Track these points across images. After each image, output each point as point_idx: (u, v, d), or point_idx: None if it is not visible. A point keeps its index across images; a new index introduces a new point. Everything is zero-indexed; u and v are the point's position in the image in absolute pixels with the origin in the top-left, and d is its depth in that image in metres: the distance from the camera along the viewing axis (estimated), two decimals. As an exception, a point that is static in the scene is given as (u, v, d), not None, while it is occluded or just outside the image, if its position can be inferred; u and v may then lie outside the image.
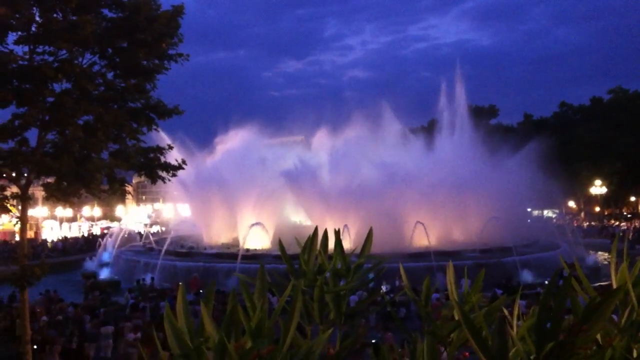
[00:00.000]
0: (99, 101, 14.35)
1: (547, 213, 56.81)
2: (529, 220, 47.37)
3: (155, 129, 15.57)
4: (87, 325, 23.19)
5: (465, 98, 52.51)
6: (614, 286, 2.02)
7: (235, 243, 41.60)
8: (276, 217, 41.87)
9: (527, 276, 32.94)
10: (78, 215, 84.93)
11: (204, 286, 30.06)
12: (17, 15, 13.50)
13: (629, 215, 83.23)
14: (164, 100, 15.27)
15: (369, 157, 44.44)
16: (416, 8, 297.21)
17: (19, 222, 14.86)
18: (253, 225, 38.47)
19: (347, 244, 30.66)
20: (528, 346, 1.59)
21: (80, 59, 14.35)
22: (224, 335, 1.38)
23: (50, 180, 15.15)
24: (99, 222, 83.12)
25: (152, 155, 15.38)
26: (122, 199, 68.61)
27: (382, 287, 27.76)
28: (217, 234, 45.26)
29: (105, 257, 44.25)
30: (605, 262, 40.74)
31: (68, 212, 75.85)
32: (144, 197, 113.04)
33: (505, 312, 2.21)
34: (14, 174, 14.60)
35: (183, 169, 16.13)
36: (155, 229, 62.53)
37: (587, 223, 73.18)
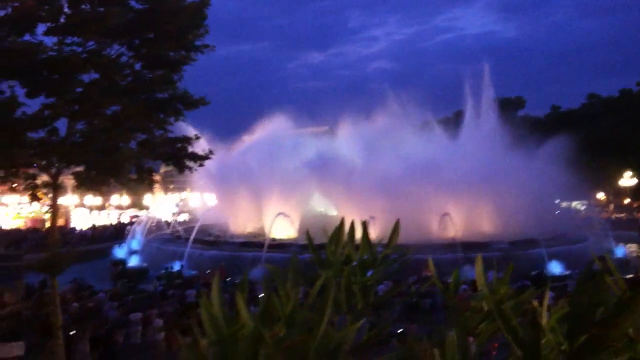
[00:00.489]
0: (127, 92, 14.49)
1: (576, 205, 56.15)
2: (557, 212, 46.87)
3: (182, 120, 15.69)
4: (115, 312, 23.55)
5: (492, 89, 52.10)
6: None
7: (261, 232, 41.82)
8: (302, 207, 41.96)
9: (554, 268, 32.68)
10: (107, 204, 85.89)
11: (229, 275, 30.30)
12: (46, 7, 13.66)
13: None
14: (190, 92, 15.38)
15: (395, 147, 44.30)
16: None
17: (50, 210, 15.09)
18: (278, 214, 38.62)
19: (373, 235, 30.64)
20: (558, 337, 1.60)
21: (108, 50, 14.49)
22: (260, 323, 1.41)
23: (79, 169, 15.36)
24: (127, 211, 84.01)
25: (179, 145, 15.52)
26: (150, 188, 69.28)
27: (409, 278, 27.70)
28: (243, 223, 45.53)
29: (134, 245, 44.78)
30: (635, 255, 40.26)
31: (97, 200, 76.81)
32: (171, 186, 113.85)
33: (535, 303, 2.21)
34: (44, 163, 14.82)
35: (210, 158, 16.25)
36: (182, 217, 63.05)
37: (616, 215, 72.24)
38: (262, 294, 1.61)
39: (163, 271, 33.80)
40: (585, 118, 73.49)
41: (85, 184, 15.21)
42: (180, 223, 53.33)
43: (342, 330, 1.64)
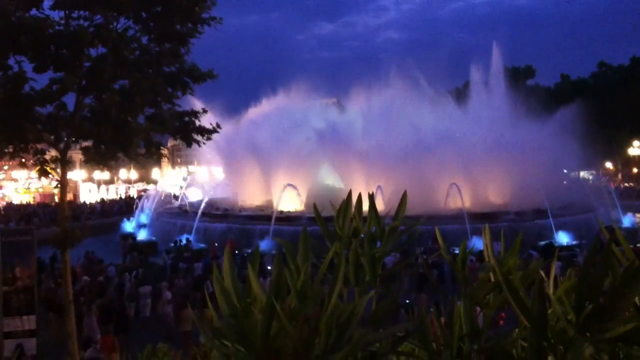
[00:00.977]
0: (135, 66, 14.46)
1: (584, 175, 56.02)
2: (564, 182, 46.78)
3: (190, 93, 15.65)
4: (128, 285, 23.83)
5: (501, 58, 51.70)
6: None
7: (269, 205, 41.99)
8: (309, 179, 41.98)
9: (562, 238, 32.75)
10: (115, 178, 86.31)
11: (238, 247, 30.51)
12: (52, -20, 13.59)
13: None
14: (198, 65, 15.32)
15: (403, 118, 44.16)
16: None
17: (59, 185, 15.17)
18: (286, 186, 38.68)
19: (380, 206, 30.69)
20: (565, 308, 1.62)
21: (115, 24, 14.43)
22: (273, 297, 1.44)
23: (88, 144, 15.39)
24: (135, 185, 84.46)
25: (187, 119, 15.49)
26: (158, 162, 69.42)
27: (416, 249, 27.82)
28: (250, 197, 45.69)
29: (143, 219, 45.07)
30: (643, 224, 40.24)
31: (105, 175, 77.15)
32: (179, 159, 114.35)
33: (542, 274, 2.24)
34: (52, 138, 14.85)
35: (218, 132, 16.22)
36: (190, 191, 63.33)
37: (625, 184, 72.05)
38: (273, 267, 1.63)
39: (172, 245, 34.05)
40: (596, 87, 72.93)
41: (94, 159, 15.24)
42: (188, 196, 53.60)
43: (352, 303, 1.67)
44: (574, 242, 31.86)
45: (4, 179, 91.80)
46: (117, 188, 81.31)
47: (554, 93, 68.64)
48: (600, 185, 47.52)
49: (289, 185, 38.77)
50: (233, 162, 47.44)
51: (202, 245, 34.16)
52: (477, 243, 23.61)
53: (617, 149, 71.76)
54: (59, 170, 14.96)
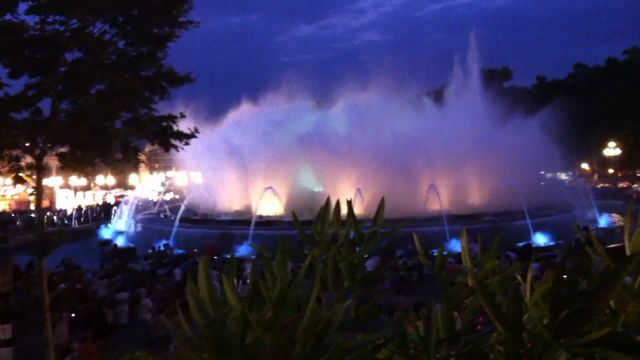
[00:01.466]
0: (112, 70, 14.35)
1: (561, 175, 56.58)
2: (542, 183, 47.21)
3: (168, 98, 15.57)
4: (105, 291, 23.60)
5: (479, 60, 52.08)
6: (627, 251, 2.05)
7: (248, 210, 41.83)
8: (289, 183, 41.92)
9: (540, 239, 33.04)
10: (92, 184, 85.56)
11: (219, 252, 30.39)
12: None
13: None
14: (176, 68, 15.26)
15: (382, 120, 44.26)
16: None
17: (35, 192, 15.00)
18: (266, 189, 38.57)
19: (360, 209, 30.78)
20: (541, 311, 1.63)
21: (91, 28, 14.32)
22: (247, 307, 1.42)
23: (64, 149, 15.25)
24: (112, 191, 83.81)
25: (165, 123, 15.42)
26: (135, 167, 68.99)
27: (396, 251, 27.85)
28: (229, 201, 45.51)
29: (120, 225, 44.72)
30: (620, 223, 40.68)
31: (82, 181, 76.47)
32: (157, 165, 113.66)
33: (519, 277, 2.25)
34: (28, 144, 14.70)
35: (196, 137, 16.16)
36: (169, 196, 62.93)
37: (601, 185, 72.86)
38: (250, 275, 1.62)
39: (151, 251, 33.81)
40: (572, 88, 73.70)
41: (70, 165, 15.11)
42: (167, 202, 53.25)
43: (329, 310, 1.66)
44: (552, 243, 32.13)
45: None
46: (94, 194, 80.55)
47: (530, 94, 69.21)
48: (577, 185, 48.00)
49: (269, 188, 38.66)
50: (212, 166, 47.23)
51: (181, 251, 33.96)
52: (457, 245, 23.75)
53: (593, 149, 72.56)
54: (34, 176, 14.81)
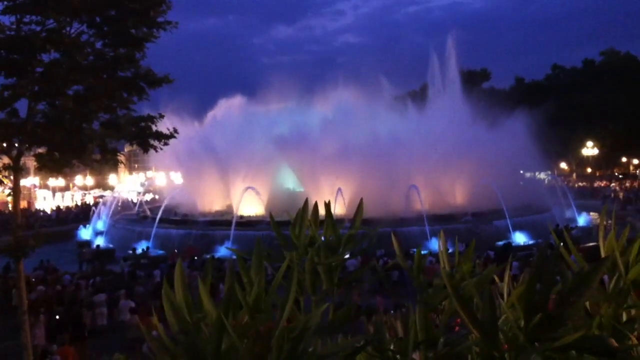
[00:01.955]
0: (89, 71, 14.24)
1: (540, 175, 57.07)
2: (521, 183, 47.62)
3: (147, 99, 15.47)
4: (83, 293, 23.40)
5: (457, 62, 52.40)
6: (602, 253, 2.06)
7: (229, 210, 41.70)
8: (269, 184, 41.87)
9: (519, 238, 33.33)
10: (71, 185, 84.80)
11: (199, 254, 30.28)
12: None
13: (620, 176, 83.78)
14: (154, 69, 15.16)
15: (362, 121, 44.37)
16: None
17: (12, 193, 14.84)
18: (246, 189, 38.46)
19: (340, 209, 30.83)
20: (518, 314, 1.63)
21: (68, 29, 14.19)
22: (223, 313, 1.41)
23: (42, 150, 15.11)
24: (91, 191, 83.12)
25: (143, 124, 15.30)
26: (114, 168, 68.47)
27: (376, 252, 27.95)
28: (210, 202, 45.34)
29: (99, 226, 44.35)
30: (597, 223, 41.13)
31: (60, 181, 75.76)
32: (136, 165, 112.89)
33: (497, 279, 2.26)
34: (4, 145, 14.55)
35: (175, 137, 16.06)
36: (149, 197, 62.54)
37: (579, 184, 73.62)
38: (226, 279, 1.61)
39: (130, 252, 33.59)
40: (550, 89, 74.43)
41: (47, 166, 14.96)
42: (147, 202, 52.92)
43: (306, 315, 1.65)
44: (531, 242, 32.43)
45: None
46: (72, 195, 79.79)
47: (509, 95, 69.73)
48: (556, 185, 48.45)
49: (249, 188, 38.55)
50: (192, 167, 47.01)
51: (161, 252, 33.76)
52: (436, 245, 23.85)
53: (572, 149, 73.29)
54: (11, 177, 14.65)
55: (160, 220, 37.73)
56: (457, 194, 41.82)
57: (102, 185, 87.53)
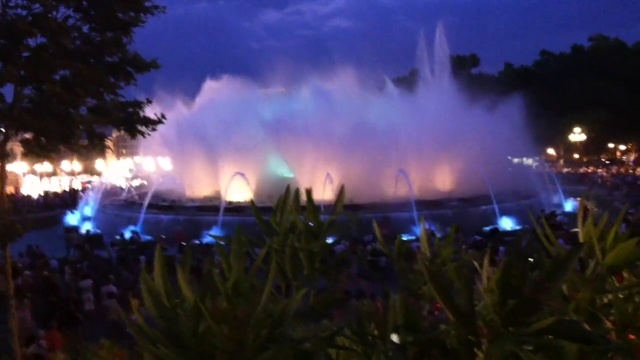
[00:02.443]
0: (76, 56, 14.12)
1: (527, 161, 57.31)
2: (509, 169, 47.80)
3: (134, 84, 15.36)
4: (69, 279, 23.39)
5: (447, 47, 52.37)
6: (581, 238, 2.09)
7: (218, 196, 41.62)
8: (258, 169, 41.78)
9: (506, 223, 33.53)
10: (58, 170, 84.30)
11: (187, 239, 30.25)
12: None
13: (607, 162, 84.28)
14: (143, 54, 15.04)
15: (351, 106, 44.33)
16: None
17: (-2, 179, 14.75)
18: (235, 174, 38.37)
19: (329, 194, 30.87)
20: (495, 299, 1.65)
21: (54, 13, 14.05)
22: (200, 297, 1.42)
23: (28, 136, 15.00)
24: (79, 177, 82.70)
25: (131, 109, 15.19)
26: (102, 153, 68.10)
27: (364, 237, 28.03)
28: (198, 187, 45.24)
29: (87, 211, 44.18)
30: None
31: (47, 167, 75.24)
32: (124, 150, 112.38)
33: (476, 264, 2.28)
34: (-10, 131, 14.44)
35: (163, 123, 15.96)
36: (137, 182, 62.29)
37: (566, 170, 74.02)
38: (205, 266, 1.62)
39: (118, 237, 33.51)
40: (538, 75, 74.58)
41: (34, 151, 14.86)
42: (135, 188, 52.72)
43: (284, 300, 1.66)
44: (518, 227, 32.63)
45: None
46: (60, 180, 79.35)
47: (498, 81, 69.85)
48: (543, 170, 48.66)
49: (238, 173, 38.44)
50: (179, 152, 46.85)
51: (149, 238, 33.70)
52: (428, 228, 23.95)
53: (559, 135, 73.57)
54: (-2, 163, 14.55)
55: (149, 205, 37.61)
56: (446, 179, 41.97)
57: (89, 170, 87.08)
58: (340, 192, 2.47)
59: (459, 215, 32.05)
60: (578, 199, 43.09)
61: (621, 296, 1.91)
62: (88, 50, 14.45)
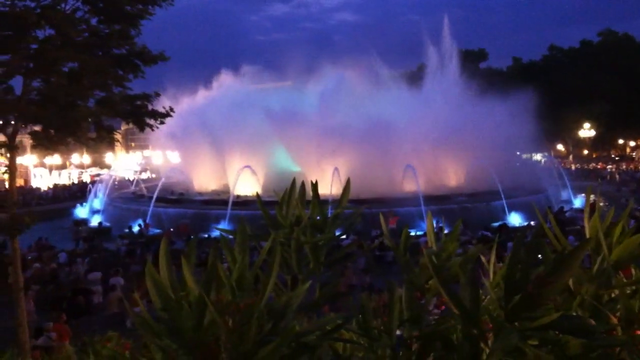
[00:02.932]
0: (83, 48, 14.15)
1: (536, 156, 57.12)
2: (517, 164, 47.67)
3: (142, 76, 15.39)
4: (80, 271, 23.50)
5: (454, 41, 52.21)
6: (587, 234, 2.08)
7: (225, 189, 41.69)
8: (266, 163, 41.80)
9: (514, 219, 33.45)
10: (67, 163, 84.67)
11: (193, 232, 30.32)
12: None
13: (616, 158, 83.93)
14: (150, 47, 15.06)
15: (358, 101, 44.27)
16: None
17: (8, 171, 14.83)
18: (243, 168, 38.40)
19: (337, 188, 30.85)
20: (500, 294, 1.65)
21: (63, 5, 14.08)
22: (204, 289, 1.42)
23: (37, 128, 15.06)
24: (88, 170, 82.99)
25: (139, 102, 15.23)
26: (111, 146, 68.33)
27: (372, 231, 28.07)
28: (206, 181, 45.34)
29: (96, 204, 44.37)
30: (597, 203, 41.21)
31: (57, 159, 75.61)
32: (133, 144, 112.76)
33: (483, 259, 2.27)
34: (0, 123, 14.50)
35: (171, 116, 16.00)
36: (145, 175, 62.50)
37: (575, 166, 73.77)
38: (209, 258, 1.62)
39: (127, 230, 33.65)
40: (547, 70, 74.23)
41: (43, 144, 14.91)
42: (143, 181, 52.90)
43: (288, 293, 1.67)
44: (526, 223, 32.54)
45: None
46: (69, 173, 79.69)
47: (506, 76, 69.63)
48: (552, 166, 48.51)
49: (246, 167, 38.47)
50: (187, 146, 46.94)
51: (157, 231, 33.82)
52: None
53: (568, 131, 73.30)
54: (7, 155, 14.62)
55: (157, 199, 37.73)
56: (454, 174, 41.89)
57: (99, 163, 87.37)
58: (346, 185, 2.47)
59: (467, 211, 32.00)
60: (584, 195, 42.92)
61: (628, 292, 1.91)
62: (95, 42, 14.48)
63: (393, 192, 34.85)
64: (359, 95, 45.14)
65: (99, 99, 14.96)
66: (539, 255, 1.77)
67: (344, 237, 2.68)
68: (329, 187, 29.84)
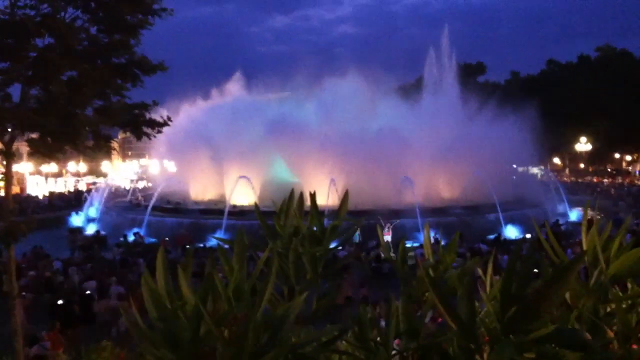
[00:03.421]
0: (83, 57, 14.16)
1: (533, 170, 57.19)
2: (514, 177, 47.73)
3: (141, 86, 15.39)
4: (75, 280, 23.41)
5: (454, 55, 52.39)
6: (584, 247, 2.08)
7: (222, 199, 41.63)
8: (263, 173, 41.78)
9: (511, 232, 33.45)
10: (64, 171, 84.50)
11: (191, 242, 30.25)
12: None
13: (613, 172, 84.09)
14: (149, 57, 15.06)
15: (357, 113, 44.35)
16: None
17: (4, 178, 14.79)
18: (240, 178, 38.36)
19: (333, 199, 30.84)
20: (497, 307, 1.64)
21: (63, 14, 14.10)
22: (200, 300, 1.42)
23: (34, 136, 15.03)
24: (84, 178, 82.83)
25: (137, 111, 15.22)
26: (107, 155, 68.21)
27: (368, 243, 28.03)
28: (203, 190, 45.27)
29: (92, 212, 44.25)
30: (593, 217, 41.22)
31: (53, 167, 75.42)
32: (129, 152, 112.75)
33: (480, 271, 2.27)
34: (-3, 130, 14.48)
35: (169, 125, 15.97)
36: (142, 184, 62.38)
37: (571, 179, 73.87)
38: (206, 268, 1.62)
39: (122, 239, 33.55)
40: (545, 84, 74.48)
41: (40, 151, 14.88)
42: (140, 190, 52.81)
43: (285, 304, 1.66)
44: (522, 236, 32.52)
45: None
46: (65, 181, 79.49)
47: (504, 89, 69.80)
48: (548, 180, 48.56)
49: (242, 177, 38.44)
50: (185, 155, 46.92)
51: (153, 240, 33.74)
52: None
53: (565, 144, 73.44)
54: (4, 162, 14.59)
55: (153, 208, 37.67)
56: (450, 186, 41.92)
57: (95, 172, 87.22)
58: (344, 197, 2.47)
59: (464, 223, 31.98)
60: (581, 208, 42.98)
61: (624, 306, 1.91)
62: (95, 51, 14.49)
63: (390, 203, 34.82)
64: (358, 107, 45.21)
65: (98, 108, 14.95)
66: (535, 270, 1.77)
67: (340, 248, 2.68)
68: (326, 198, 29.84)
